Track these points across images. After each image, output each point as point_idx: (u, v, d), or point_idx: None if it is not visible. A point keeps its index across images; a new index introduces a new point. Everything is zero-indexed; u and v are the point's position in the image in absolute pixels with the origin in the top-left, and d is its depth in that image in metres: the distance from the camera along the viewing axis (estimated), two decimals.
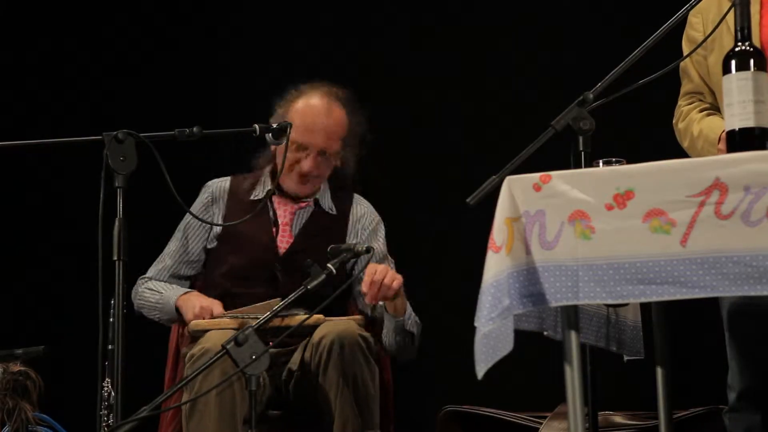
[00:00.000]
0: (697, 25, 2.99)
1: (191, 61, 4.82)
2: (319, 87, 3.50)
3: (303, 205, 3.51)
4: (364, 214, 3.55)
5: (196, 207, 3.53)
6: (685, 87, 3.10)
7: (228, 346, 2.73)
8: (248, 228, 3.42)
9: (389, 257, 3.53)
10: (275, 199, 3.51)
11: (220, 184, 3.56)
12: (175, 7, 4.87)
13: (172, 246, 3.53)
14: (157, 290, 3.47)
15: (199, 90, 4.76)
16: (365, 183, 3.63)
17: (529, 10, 4.43)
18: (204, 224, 3.49)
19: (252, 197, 3.48)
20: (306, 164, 3.41)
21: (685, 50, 2.99)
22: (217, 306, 3.31)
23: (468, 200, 2.42)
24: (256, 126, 2.97)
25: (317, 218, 3.49)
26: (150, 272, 3.55)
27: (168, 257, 3.54)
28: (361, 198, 3.59)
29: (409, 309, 3.38)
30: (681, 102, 3.11)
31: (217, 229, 3.49)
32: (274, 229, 3.47)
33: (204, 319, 3.29)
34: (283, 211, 3.50)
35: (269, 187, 3.46)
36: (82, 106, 4.80)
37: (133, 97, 4.75)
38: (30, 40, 4.85)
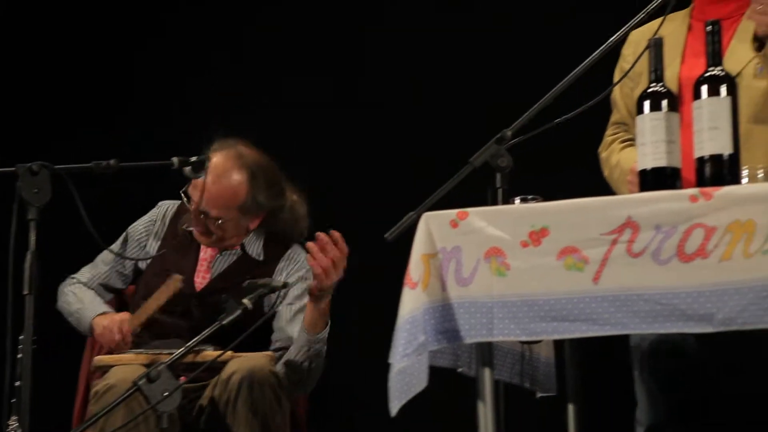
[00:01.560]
0: (629, 57, 3.03)
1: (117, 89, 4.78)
2: (228, 147, 3.39)
3: (228, 247, 3.46)
4: (294, 263, 3.45)
5: (142, 221, 3.52)
6: (613, 117, 3.15)
7: (140, 383, 2.69)
8: (174, 258, 3.40)
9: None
10: None
11: (169, 207, 3.53)
12: (96, 35, 4.83)
13: (110, 253, 3.47)
14: (81, 299, 3.44)
15: (122, 120, 4.72)
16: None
17: (453, 45, 4.47)
18: (142, 238, 3.47)
19: (186, 227, 3.45)
20: (192, 220, 3.38)
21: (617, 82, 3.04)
22: (126, 323, 3.28)
23: (386, 236, 2.43)
24: (174, 159, 2.94)
25: (242, 263, 3.44)
26: (82, 275, 3.51)
27: (103, 264, 3.51)
28: (300, 249, 3.46)
29: (324, 332, 3.28)
30: (607, 132, 3.16)
31: (151, 251, 3.45)
32: (195, 265, 3.43)
33: (108, 338, 3.27)
34: (206, 248, 3.46)
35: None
36: None
37: (52, 127, 4.69)
38: None
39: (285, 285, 3.04)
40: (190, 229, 3.42)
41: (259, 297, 3.00)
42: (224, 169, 3.34)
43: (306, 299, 3.27)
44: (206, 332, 2.92)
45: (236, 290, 3.15)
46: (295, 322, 3.31)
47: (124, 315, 3.34)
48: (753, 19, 2.77)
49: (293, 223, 3.46)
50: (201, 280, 3.42)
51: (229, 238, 3.40)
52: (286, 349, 3.29)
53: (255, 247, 3.44)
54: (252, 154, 3.40)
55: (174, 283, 3.24)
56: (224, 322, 2.92)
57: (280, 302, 3.23)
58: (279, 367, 3.23)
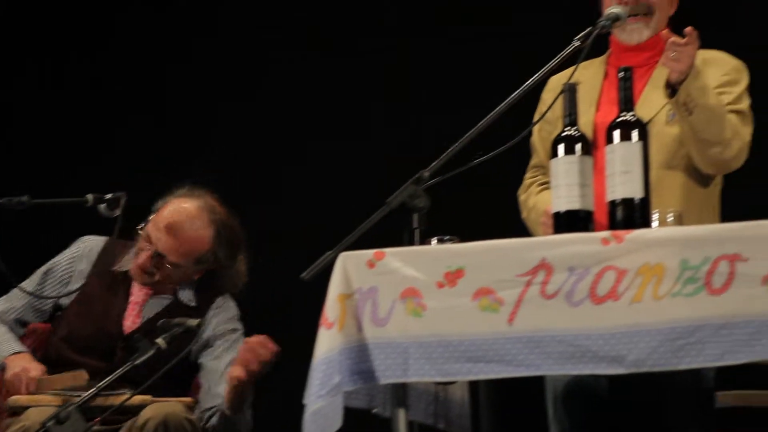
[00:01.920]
0: (548, 101, 3.09)
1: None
2: (199, 197, 3.35)
3: (161, 292, 3.41)
4: (225, 311, 3.39)
5: (65, 257, 3.43)
6: (532, 161, 3.20)
7: (48, 424, 2.64)
8: (102, 298, 3.33)
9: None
10: None
11: (94, 243, 3.44)
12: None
13: (28, 287, 3.39)
14: None
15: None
16: None
17: (371, 84, 4.50)
18: (65, 275, 3.38)
19: (116, 267, 3.39)
20: (142, 257, 3.33)
21: (536, 126, 3.07)
22: (34, 371, 3.21)
23: (303, 275, 2.42)
24: (89, 196, 2.91)
25: (173, 309, 3.37)
26: None
27: (18, 298, 3.40)
28: (229, 297, 3.42)
29: (247, 415, 3.24)
30: (527, 175, 3.21)
31: (73, 288, 3.38)
32: (125, 306, 3.37)
33: (15, 387, 3.19)
34: (138, 290, 3.40)
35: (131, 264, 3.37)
36: None
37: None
38: None
39: (200, 325, 3.01)
40: (125, 269, 3.36)
41: (172, 337, 2.96)
42: (194, 219, 3.30)
43: (234, 353, 3.24)
44: (118, 373, 2.88)
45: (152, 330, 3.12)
46: (223, 380, 3.25)
47: (37, 372, 3.20)
48: (666, 65, 2.83)
49: (234, 279, 3.43)
50: (131, 323, 3.35)
51: (169, 283, 3.35)
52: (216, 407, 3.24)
53: (187, 293, 3.40)
54: (221, 210, 3.36)
55: (80, 377, 3.13)
56: (136, 362, 2.87)
57: (199, 347, 3.19)
58: (214, 420, 3.20)
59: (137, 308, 3.36)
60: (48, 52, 4.79)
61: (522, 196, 3.19)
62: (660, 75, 3.01)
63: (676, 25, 3.00)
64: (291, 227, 4.43)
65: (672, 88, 2.85)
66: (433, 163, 2.55)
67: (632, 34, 3.02)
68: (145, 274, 3.34)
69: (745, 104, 2.99)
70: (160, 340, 2.93)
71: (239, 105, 4.66)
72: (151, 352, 2.90)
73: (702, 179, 3.00)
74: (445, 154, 2.57)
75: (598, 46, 2.80)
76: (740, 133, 2.94)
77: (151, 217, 3.30)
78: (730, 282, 2.21)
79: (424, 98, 4.43)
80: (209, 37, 4.72)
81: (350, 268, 2.44)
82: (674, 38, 2.81)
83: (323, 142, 4.51)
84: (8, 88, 4.75)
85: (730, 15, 3.98)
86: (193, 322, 3.01)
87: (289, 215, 4.47)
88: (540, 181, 3.16)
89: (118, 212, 2.97)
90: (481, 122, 2.60)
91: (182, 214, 3.28)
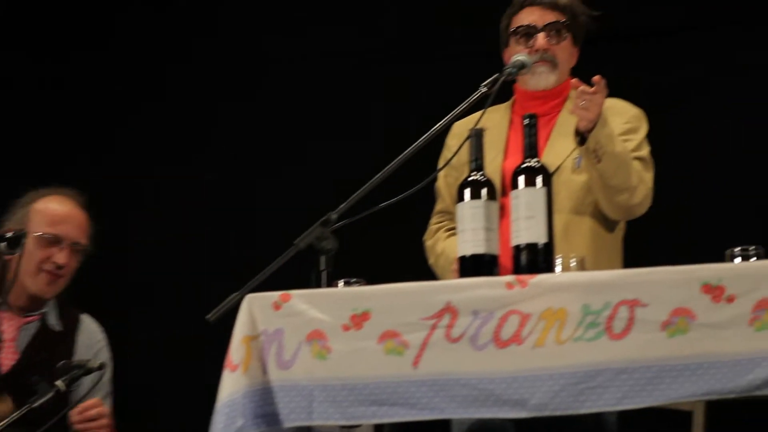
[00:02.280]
0: (453, 147, 3.11)
1: None
2: (59, 190, 3.43)
3: (29, 319, 3.35)
4: (90, 334, 3.39)
5: None
6: (438, 206, 3.22)
7: None
8: None
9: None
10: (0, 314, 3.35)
11: None
12: None
13: None
14: None
15: None
16: (93, 303, 3.50)
17: (281, 127, 4.51)
18: None
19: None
20: (61, 257, 3.30)
21: (441, 171, 3.10)
22: None
23: (208, 317, 2.41)
24: None
25: (43, 335, 3.34)
26: None
27: None
28: (89, 317, 3.44)
29: None
30: (432, 220, 3.23)
31: None
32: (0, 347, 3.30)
33: None
34: (8, 326, 3.34)
35: None
36: None
37: None
38: None
39: (101, 367, 2.95)
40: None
41: (72, 379, 2.90)
42: (68, 200, 3.38)
43: (102, 391, 3.23)
44: (15, 415, 2.81)
45: (42, 368, 3.06)
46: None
47: None
48: (576, 113, 2.88)
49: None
50: (9, 361, 3.29)
51: (63, 285, 3.36)
52: None
53: (53, 317, 3.37)
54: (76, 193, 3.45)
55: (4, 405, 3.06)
56: (34, 405, 2.81)
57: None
58: None
59: (13, 346, 3.31)
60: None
61: (429, 242, 3.21)
62: (564, 123, 3.07)
63: (575, 76, 3.06)
64: (196, 268, 4.39)
65: (581, 136, 2.91)
66: (341, 206, 2.57)
67: (540, 77, 3.08)
68: (54, 284, 3.29)
69: (645, 151, 3.07)
70: (59, 383, 2.88)
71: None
72: (50, 395, 2.84)
73: (609, 225, 3.07)
74: (352, 197, 2.59)
75: (500, 94, 2.84)
76: (644, 180, 3.01)
77: (24, 232, 3.21)
78: (630, 327, 2.25)
79: (333, 140, 4.44)
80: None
81: (256, 310, 2.43)
82: (583, 87, 2.87)
83: (233, 182, 4.50)
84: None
85: (630, 67, 4.09)
86: (94, 364, 2.96)
87: (196, 256, 4.43)
88: (447, 227, 3.18)
89: (19, 250, 2.91)
90: (387, 167, 2.62)
91: (59, 202, 3.36)
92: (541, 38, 3.07)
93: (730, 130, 4.08)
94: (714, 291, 2.24)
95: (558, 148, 3.04)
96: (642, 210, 3.03)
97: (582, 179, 3.02)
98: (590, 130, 2.87)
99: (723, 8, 4.13)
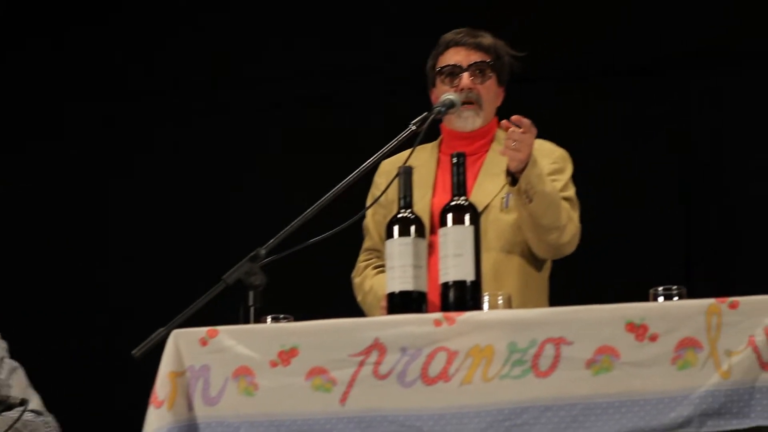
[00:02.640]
0: (381, 185, 3.13)
1: None
2: None
3: None
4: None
5: None
6: (366, 243, 3.24)
7: None
8: None
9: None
10: None
11: None
12: None
13: None
14: None
15: None
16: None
17: (205, 164, 4.51)
18: None
19: None
20: None
21: (369, 209, 3.11)
22: None
23: (133, 353, 2.39)
24: None
25: None
26: None
27: None
28: None
29: None
30: (360, 257, 3.23)
31: None
32: None
33: None
34: None
35: None
36: None
37: None
38: None
39: (23, 402, 2.89)
40: None
41: None
42: None
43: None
44: None
45: None
46: None
47: None
48: (506, 154, 2.92)
49: None
50: None
51: None
52: None
53: None
54: None
55: None
56: None
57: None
58: None
59: None
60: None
61: (357, 279, 3.22)
62: (491, 162, 3.11)
63: (501, 117, 3.10)
64: (123, 302, 4.36)
65: (512, 176, 2.94)
66: (270, 241, 2.56)
67: (466, 121, 3.12)
68: None
69: (572, 191, 3.12)
70: None
71: None
72: None
73: (537, 264, 3.11)
74: (281, 233, 2.59)
75: (426, 133, 2.86)
76: (573, 219, 3.06)
77: None
78: (555, 365, 2.28)
79: (261, 178, 4.45)
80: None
81: (182, 346, 2.41)
82: (513, 128, 2.91)
83: (162, 218, 4.48)
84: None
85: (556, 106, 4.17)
86: (15, 399, 2.90)
87: (123, 291, 4.40)
88: (374, 264, 3.19)
89: None
90: (316, 203, 2.63)
91: None
92: (465, 78, 3.11)
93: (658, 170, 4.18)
94: (638, 330, 2.28)
95: (486, 188, 3.07)
96: (571, 249, 3.07)
97: (511, 218, 3.05)
98: (521, 171, 2.91)
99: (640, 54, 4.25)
